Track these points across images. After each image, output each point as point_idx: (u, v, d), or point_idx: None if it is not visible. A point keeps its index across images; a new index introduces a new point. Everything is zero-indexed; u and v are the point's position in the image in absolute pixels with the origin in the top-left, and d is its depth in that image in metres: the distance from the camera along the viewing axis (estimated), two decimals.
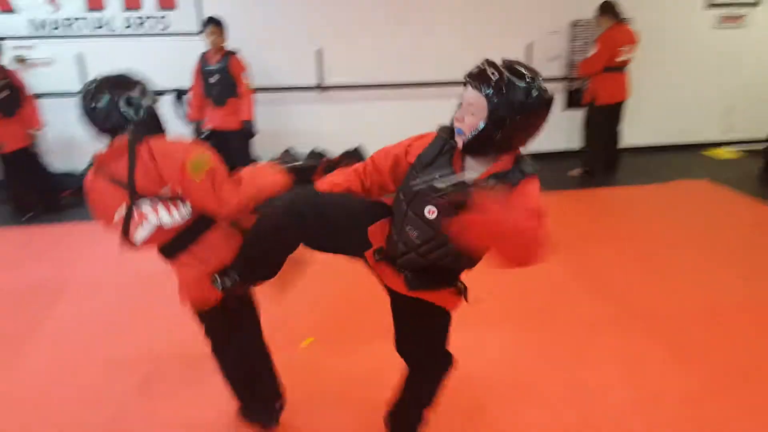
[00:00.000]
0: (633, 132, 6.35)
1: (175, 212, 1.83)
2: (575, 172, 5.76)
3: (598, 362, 2.77)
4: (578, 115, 5.78)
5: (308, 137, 5.92)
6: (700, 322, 3.11)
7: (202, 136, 4.93)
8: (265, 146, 5.53)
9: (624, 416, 2.41)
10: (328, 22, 5.60)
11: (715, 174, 5.68)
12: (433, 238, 1.62)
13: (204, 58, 4.80)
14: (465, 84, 1.54)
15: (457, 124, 1.56)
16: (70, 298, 3.45)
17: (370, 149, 6.77)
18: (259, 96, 5.20)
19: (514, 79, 1.46)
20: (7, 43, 4.70)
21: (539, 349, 2.87)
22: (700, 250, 4.04)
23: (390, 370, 2.46)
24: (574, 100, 6.04)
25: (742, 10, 6.25)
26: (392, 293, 1.88)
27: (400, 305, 1.91)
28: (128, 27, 5.34)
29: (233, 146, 4.89)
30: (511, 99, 1.45)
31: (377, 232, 1.77)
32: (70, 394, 2.57)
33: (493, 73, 1.46)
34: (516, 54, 5.71)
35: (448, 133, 1.63)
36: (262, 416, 2.30)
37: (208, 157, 1.81)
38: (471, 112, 1.51)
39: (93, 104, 1.81)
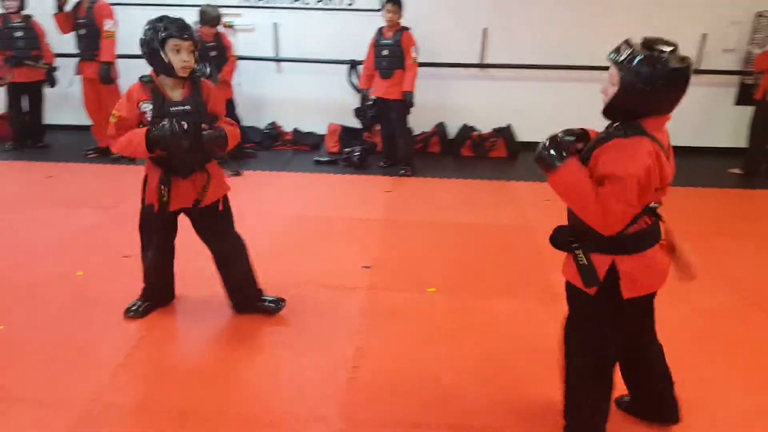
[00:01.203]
0: None
1: None
2: (736, 170, 5.33)
3: (706, 346, 2.73)
4: (750, 112, 5.30)
5: (462, 112, 6.13)
6: None
7: (368, 104, 5.32)
8: (421, 118, 5.84)
9: (724, 402, 2.38)
10: (497, 4, 5.67)
11: None
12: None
13: (380, 32, 5.13)
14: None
15: (603, 96, 1.74)
16: (245, 228, 3.97)
17: (520, 128, 6.92)
18: (422, 70, 5.45)
19: (642, 51, 1.61)
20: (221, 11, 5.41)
21: None
22: None
23: (497, 323, 2.69)
24: (746, 95, 5.54)
25: None
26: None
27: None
28: (320, 1, 5.86)
29: (393, 115, 5.24)
30: (637, 69, 1.60)
31: None
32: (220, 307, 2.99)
33: (625, 49, 1.65)
34: (687, 43, 5.44)
35: None
36: None
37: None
38: (611, 83, 1.69)
39: None
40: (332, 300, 3.10)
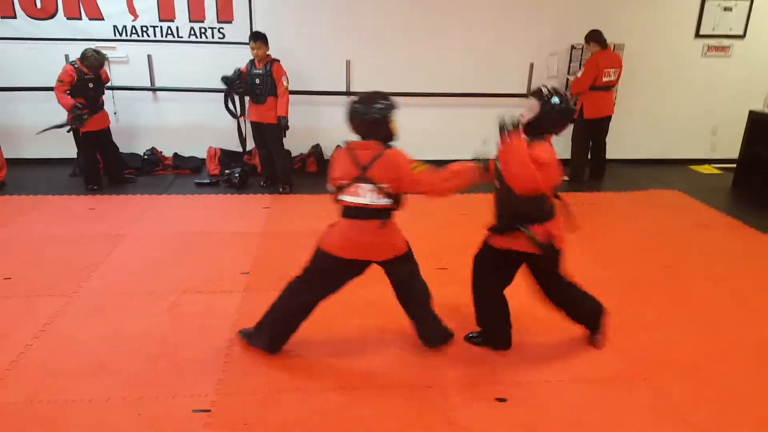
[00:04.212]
0: (627, 146, 6.77)
1: (379, 199, 2.56)
2: (564, 177, 6.19)
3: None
4: (570, 129, 6.19)
5: (336, 135, 6.52)
6: (618, 292, 3.64)
7: (237, 73, 5.46)
8: (299, 140, 6.22)
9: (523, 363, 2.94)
10: (357, 39, 6.21)
11: (692, 186, 6.05)
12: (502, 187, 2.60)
13: (252, 63, 5.44)
14: (528, 96, 2.65)
15: (522, 116, 2.56)
16: (124, 247, 4.15)
17: None
18: (297, 97, 5.84)
19: (554, 95, 2.59)
20: (93, 44, 5.47)
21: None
22: (644, 241, 4.56)
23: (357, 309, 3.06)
24: None
25: (728, 42, 6.56)
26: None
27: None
28: (192, 35, 6.07)
29: (268, 137, 5.55)
30: (551, 104, 2.57)
31: None
32: (115, 315, 3.22)
33: (543, 92, 2.60)
34: (519, 71, 6.28)
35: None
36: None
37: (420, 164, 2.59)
38: (529, 111, 2.58)
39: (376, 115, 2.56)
40: (210, 303, 3.37)
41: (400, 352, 2.92)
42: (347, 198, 2.60)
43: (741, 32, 6.54)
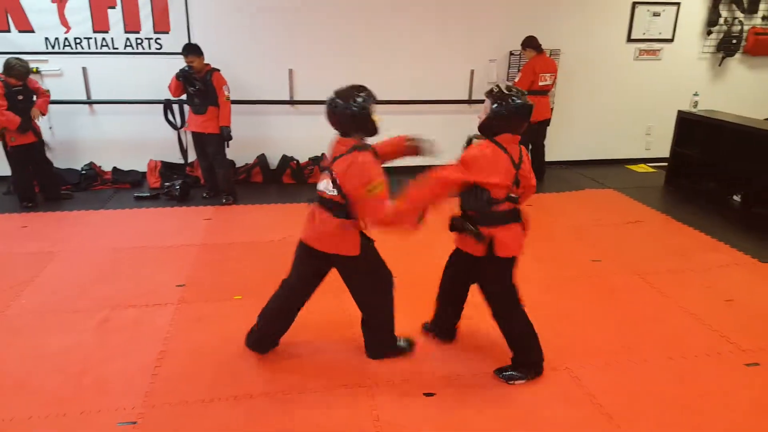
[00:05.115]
0: (566, 148, 7.02)
1: (332, 189, 2.59)
2: None
3: None
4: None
5: (281, 144, 6.60)
6: (547, 285, 3.87)
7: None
8: (243, 150, 6.23)
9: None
10: (299, 48, 6.25)
11: (627, 185, 6.33)
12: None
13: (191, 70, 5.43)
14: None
15: (479, 117, 2.62)
16: (55, 265, 4.09)
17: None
18: (241, 107, 5.86)
19: (503, 93, 2.53)
20: (25, 57, 5.37)
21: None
22: (576, 238, 4.79)
23: None
24: None
25: (658, 45, 6.90)
26: None
27: None
28: (128, 46, 6.02)
29: (210, 148, 5.54)
30: (500, 103, 2.51)
31: None
32: (41, 333, 3.19)
33: (494, 91, 2.57)
34: (460, 77, 6.45)
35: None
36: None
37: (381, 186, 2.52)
38: (484, 110, 2.58)
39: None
40: (141, 317, 3.36)
41: (332, 356, 2.98)
42: (318, 183, 2.70)
43: (670, 36, 6.89)
